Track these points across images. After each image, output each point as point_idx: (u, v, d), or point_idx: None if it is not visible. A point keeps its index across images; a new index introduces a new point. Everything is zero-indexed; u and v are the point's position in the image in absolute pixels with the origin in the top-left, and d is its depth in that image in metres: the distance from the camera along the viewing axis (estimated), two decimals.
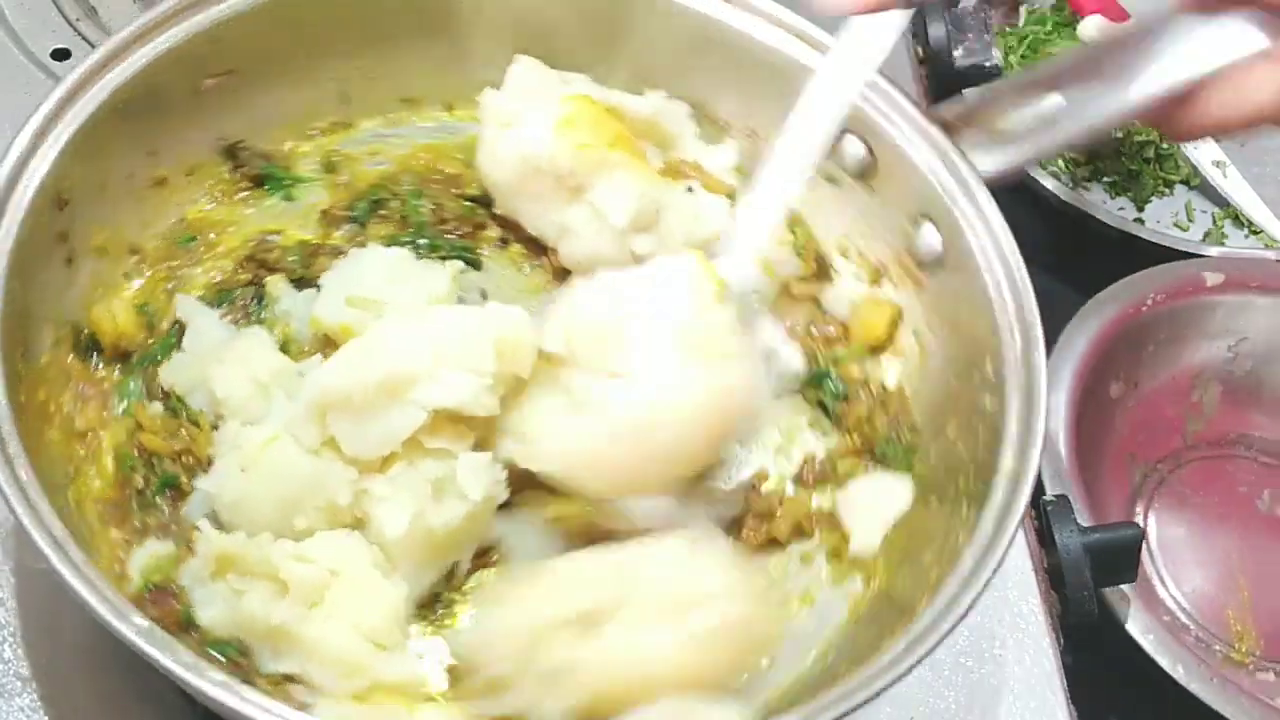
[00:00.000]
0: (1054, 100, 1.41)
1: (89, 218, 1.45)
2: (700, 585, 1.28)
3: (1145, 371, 2.07)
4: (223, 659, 1.26)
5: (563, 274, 1.62)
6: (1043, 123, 1.43)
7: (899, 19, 1.39)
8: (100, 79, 1.46)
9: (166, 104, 1.53)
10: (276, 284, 1.55)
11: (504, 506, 1.38)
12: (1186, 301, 2.08)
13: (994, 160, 1.48)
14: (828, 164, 1.56)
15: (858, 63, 1.40)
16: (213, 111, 1.58)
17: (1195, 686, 1.72)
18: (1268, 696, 1.82)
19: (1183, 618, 1.96)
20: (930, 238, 1.51)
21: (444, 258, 1.60)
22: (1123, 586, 1.75)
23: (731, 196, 1.62)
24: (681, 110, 1.66)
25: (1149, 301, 2.05)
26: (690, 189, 1.62)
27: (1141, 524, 1.99)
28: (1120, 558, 1.67)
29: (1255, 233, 2.35)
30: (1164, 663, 1.74)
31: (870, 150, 1.55)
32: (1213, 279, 2.08)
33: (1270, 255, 2.20)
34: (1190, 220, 2.37)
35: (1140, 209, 2.37)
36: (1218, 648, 1.93)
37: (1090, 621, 1.73)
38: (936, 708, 1.51)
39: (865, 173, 1.57)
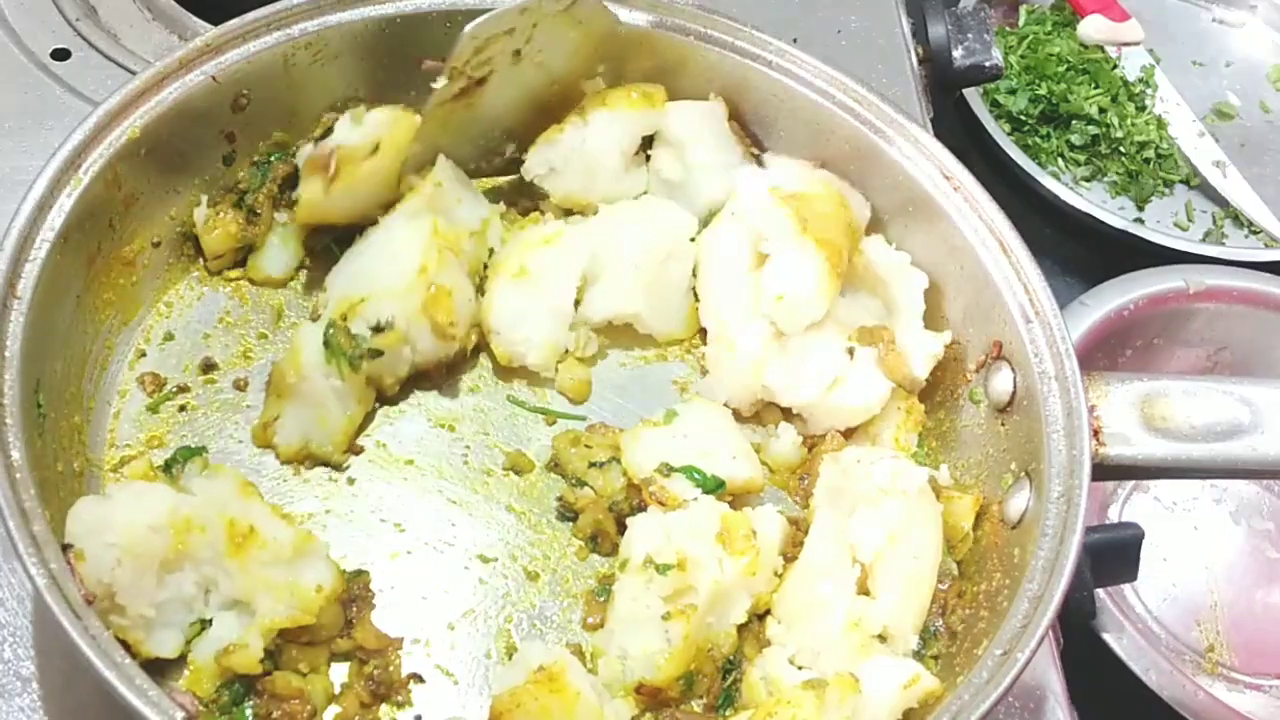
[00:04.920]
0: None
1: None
2: None
3: None
4: None
5: None
6: (1217, 436, 1.43)
7: None
8: None
9: None
10: None
11: None
12: (1167, 308, 2.07)
13: (1137, 449, 1.44)
14: (977, 386, 1.57)
15: None
16: None
17: (1168, 694, 1.72)
18: (1238, 708, 1.80)
19: (1154, 626, 1.96)
20: (1020, 502, 1.46)
21: None
22: (1098, 590, 1.73)
23: (907, 387, 1.60)
24: (919, 282, 1.63)
25: (1131, 307, 2.04)
26: (851, 351, 1.59)
27: None
28: (1120, 557, 1.66)
29: (1255, 232, 2.35)
30: (1136, 669, 1.75)
31: (1015, 387, 1.51)
32: (1195, 286, 2.07)
33: (1262, 257, 2.20)
34: (1190, 220, 2.37)
35: (1140, 209, 2.38)
36: (1188, 657, 1.93)
37: (1089, 621, 1.73)
38: None
39: (1005, 407, 1.52)
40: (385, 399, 1.59)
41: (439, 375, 1.60)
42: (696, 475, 1.49)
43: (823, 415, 1.60)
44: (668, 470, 1.49)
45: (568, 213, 1.73)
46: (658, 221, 1.68)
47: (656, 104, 1.70)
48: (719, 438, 1.55)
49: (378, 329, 1.49)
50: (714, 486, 1.49)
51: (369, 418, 1.57)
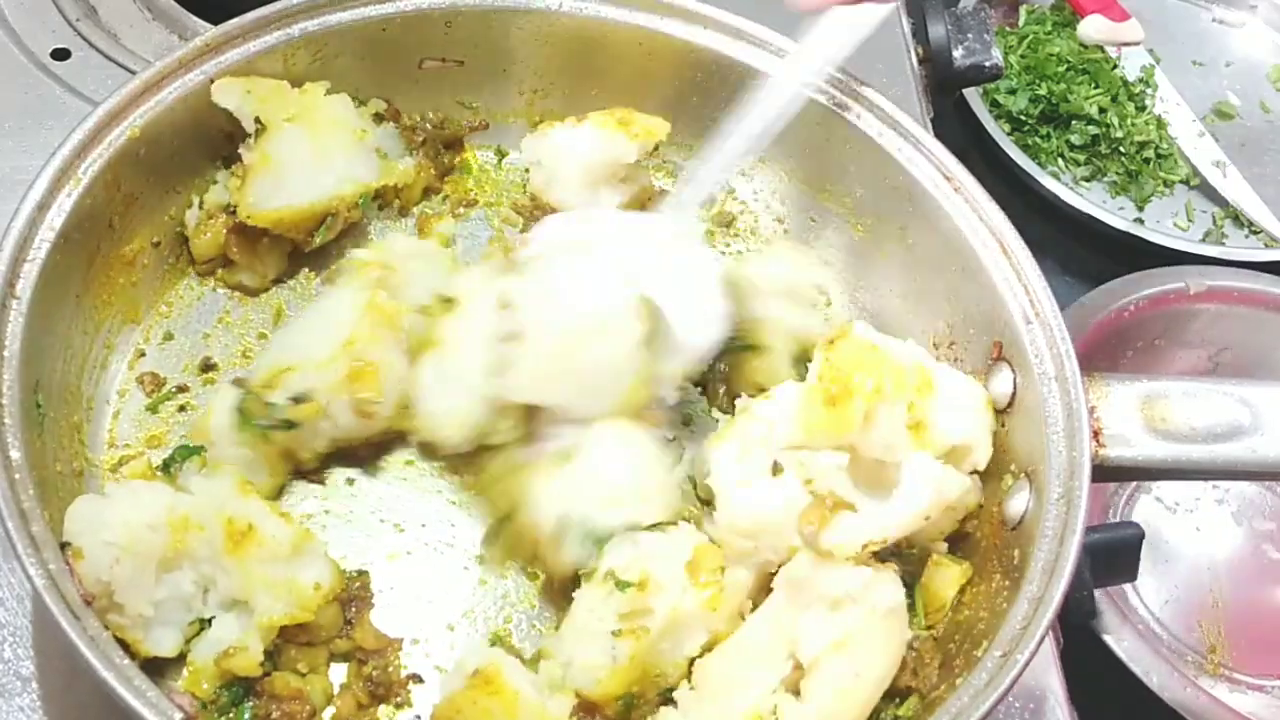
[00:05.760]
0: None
1: None
2: None
3: None
4: None
5: None
6: (1217, 437, 1.42)
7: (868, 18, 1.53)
8: None
9: None
10: None
11: None
12: (1167, 309, 2.06)
13: (1136, 450, 1.44)
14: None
15: (816, 58, 1.60)
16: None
17: (1169, 695, 1.72)
18: (1240, 709, 1.78)
19: (1155, 627, 1.96)
20: (1019, 503, 1.44)
21: None
22: (1095, 591, 1.72)
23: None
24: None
25: (1131, 307, 2.04)
26: None
27: None
28: (1120, 557, 1.66)
29: (1255, 232, 2.35)
30: (1137, 670, 1.74)
31: (1015, 388, 1.50)
32: (1195, 287, 2.07)
33: (1262, 257, 2.20)
34: (1190, 220, 2.37)
35: (1140, 209, 2.37)
36: (1190, 658, 1.93)
37: (1089, 622, 1.73)
38: None
39: (1006, 407, 1.51)
40: (304, 472, 1.53)
41: (365, 453, 1.54)
42: (591, 532, 1.42)
43: None
44: (563, 529, 1.43)
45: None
46: (587, 291, 1.52)
47: (647, 138, 1.69)
48: (628, 474, 1.46)
49: (296, 400, 1.44)
50: (607, 539, 1.42)
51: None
